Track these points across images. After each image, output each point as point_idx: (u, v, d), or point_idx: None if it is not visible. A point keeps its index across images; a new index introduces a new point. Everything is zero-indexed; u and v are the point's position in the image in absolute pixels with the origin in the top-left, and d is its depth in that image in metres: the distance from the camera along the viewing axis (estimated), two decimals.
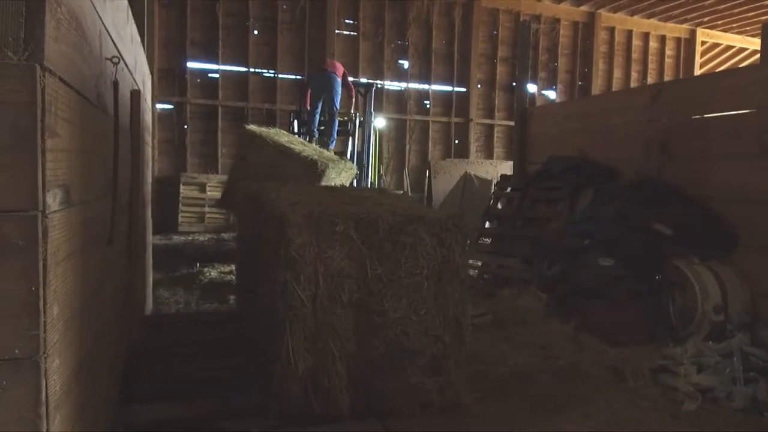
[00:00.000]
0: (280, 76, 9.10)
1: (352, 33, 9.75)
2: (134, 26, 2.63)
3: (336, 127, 7.70)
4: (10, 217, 0.94)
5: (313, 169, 4.68)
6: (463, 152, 10.58)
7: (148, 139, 3.95)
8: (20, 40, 0.98)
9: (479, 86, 10.69)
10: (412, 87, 10.27)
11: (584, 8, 11.07)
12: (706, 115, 3.64)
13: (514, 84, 9.93)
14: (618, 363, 2.71)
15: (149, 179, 4.08)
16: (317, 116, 7.59)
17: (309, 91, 7.66)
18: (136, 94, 2.21)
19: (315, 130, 7.58)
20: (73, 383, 1.21)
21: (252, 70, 9.02)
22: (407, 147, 10.21)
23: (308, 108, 7.70)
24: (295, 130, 7.64)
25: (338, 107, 7.62)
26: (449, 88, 10.50)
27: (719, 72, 11.17)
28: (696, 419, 2.30)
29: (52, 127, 1.02)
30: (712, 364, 2.68)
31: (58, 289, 1.07)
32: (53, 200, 1.04)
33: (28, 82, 0.95)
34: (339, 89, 7.56)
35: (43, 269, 0.97)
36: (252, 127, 5.04)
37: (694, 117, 3.73)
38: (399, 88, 10.24)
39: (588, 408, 2.28)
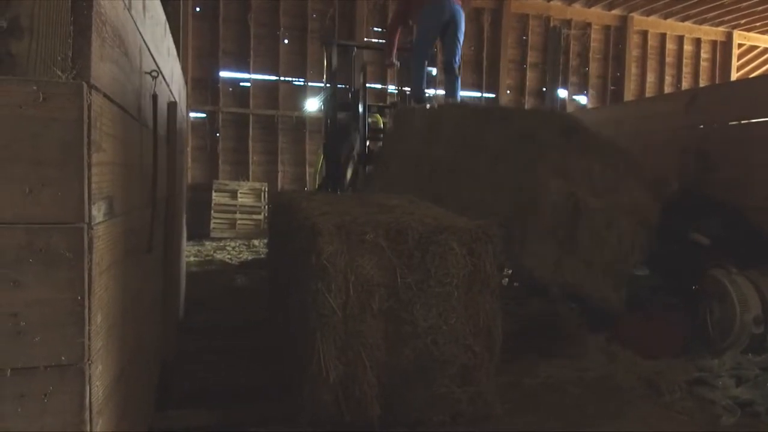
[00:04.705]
0: (309, 84, 9.21)
1: (381, 41, 9.81)
2: (171, 39, 2.71)
3: (459, 88, 5.10)
4: (58, 229, 0.98)
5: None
6: None
7: (184, 148, 4.04)
8: (68, 59, 1.02)
9: (508, 92, 10.60)
10: (441, 93, 10.27)
11: (616, 12, 10.90)
12: (744, 121, 3.55)
13: (544, 89, 9.82)
14: (652, 375, 2.65)
15: (184, 188, 4.17)
16: (425, 73, 5.04)
17: (398, 35, 4.99)
18: (172, 106, 2.27)
19: (423, 93, 5.03)
20: (114, 389, 1.25)
21: (282, 78, 9.14)
22: None
23: (393, 61, 5.11)
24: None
25: (459, 59, 4.87)
26: (478, 94, 10.46)
27: (758, 76, 10.85)
28: None
29: (97, 142, 1.06)
30: (752, 377, 2.60)
31: (101, 297, 1.11)
32: (98, 212, 1.08)
33: (76, 100, 0.99)
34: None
35: (88, 279, 1.01)
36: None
37: (731, 123, 3.64)
38: (427, 95, 10.26)
39: (622, 422, 2.23)
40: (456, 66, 4.93)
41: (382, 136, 5.36)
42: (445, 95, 5.32)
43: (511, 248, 2.35)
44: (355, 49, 5.57)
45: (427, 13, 4.65)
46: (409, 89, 5.47)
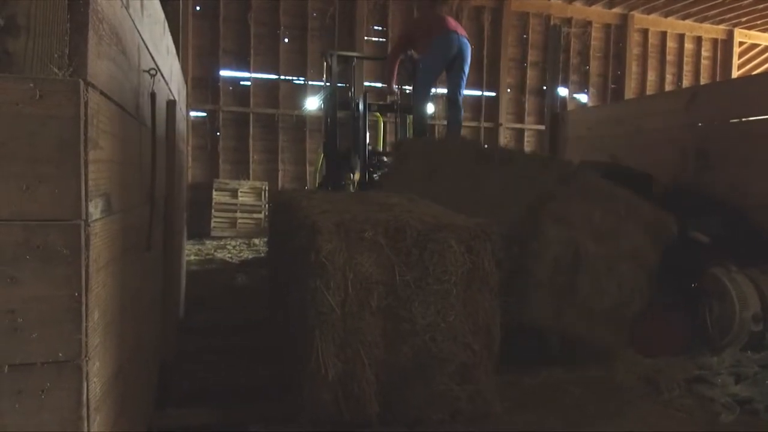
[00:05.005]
0: (309, 83, 9.21)
1: (381, 39, 9.80)
2: (170, 38, 2.71)
3: (462, 120, 5.20)
4: (55, 226, 0.98)
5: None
6: None
7: (183, 147, 4.04)
8: (65, 56, 1.02)
9: (509, 90, 10.60)
10: (441, 92, 10.26)
11: (617, 10, 10.89)
12: (744, 119, 3.55)
13: (545, 88, 9.82)
14: (652, 374, 2.66)
15: (184, 187, 4.17)
16: (427, 106, 5.16)
17: (397, 64, 5.11)
18: (171, 104, 2.27)
19: (426, 126, 5.17)
20: (112, 386, 1.25)
21: (282, 77, 9.14)
22: None
23: (393, 87, 5.18)
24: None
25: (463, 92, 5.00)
26: (478, 93, 10.45)
27: (758, 74, 10.83)
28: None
29: (94, 140, 1.06)
30: (751, 374, 2.60)
31: (99, 294, 1.11)
32: (95, 209, 1.08)
33: (73, 97, 0.99)
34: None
35: (85, 276, 1.01)
36: None
37: (732, 121, 3.64)
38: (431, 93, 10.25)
39: (622, 421, 2.23)
40: (460, 98, 4.98)
41: (381, 159, 5.43)
42: (448, 125, 5.45)
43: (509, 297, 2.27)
44: (355, 59, 5.68)
45: (434, 46, 4.65)
46: (409, 88, 5.55)
